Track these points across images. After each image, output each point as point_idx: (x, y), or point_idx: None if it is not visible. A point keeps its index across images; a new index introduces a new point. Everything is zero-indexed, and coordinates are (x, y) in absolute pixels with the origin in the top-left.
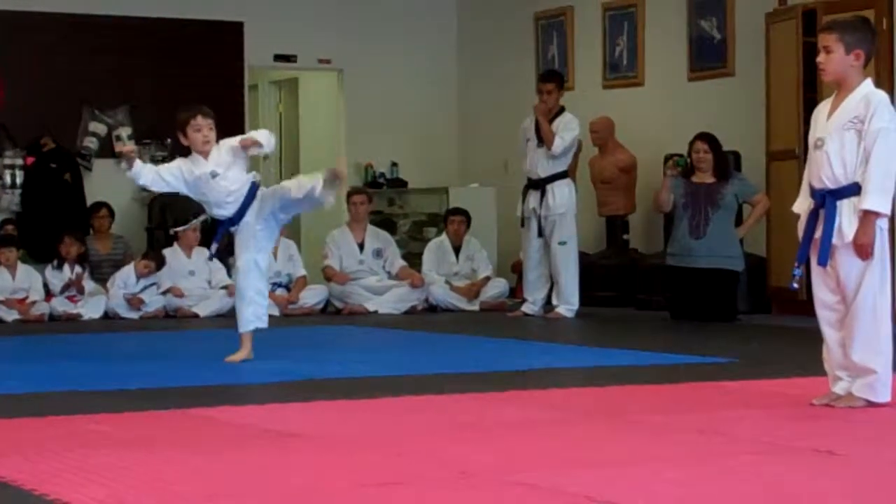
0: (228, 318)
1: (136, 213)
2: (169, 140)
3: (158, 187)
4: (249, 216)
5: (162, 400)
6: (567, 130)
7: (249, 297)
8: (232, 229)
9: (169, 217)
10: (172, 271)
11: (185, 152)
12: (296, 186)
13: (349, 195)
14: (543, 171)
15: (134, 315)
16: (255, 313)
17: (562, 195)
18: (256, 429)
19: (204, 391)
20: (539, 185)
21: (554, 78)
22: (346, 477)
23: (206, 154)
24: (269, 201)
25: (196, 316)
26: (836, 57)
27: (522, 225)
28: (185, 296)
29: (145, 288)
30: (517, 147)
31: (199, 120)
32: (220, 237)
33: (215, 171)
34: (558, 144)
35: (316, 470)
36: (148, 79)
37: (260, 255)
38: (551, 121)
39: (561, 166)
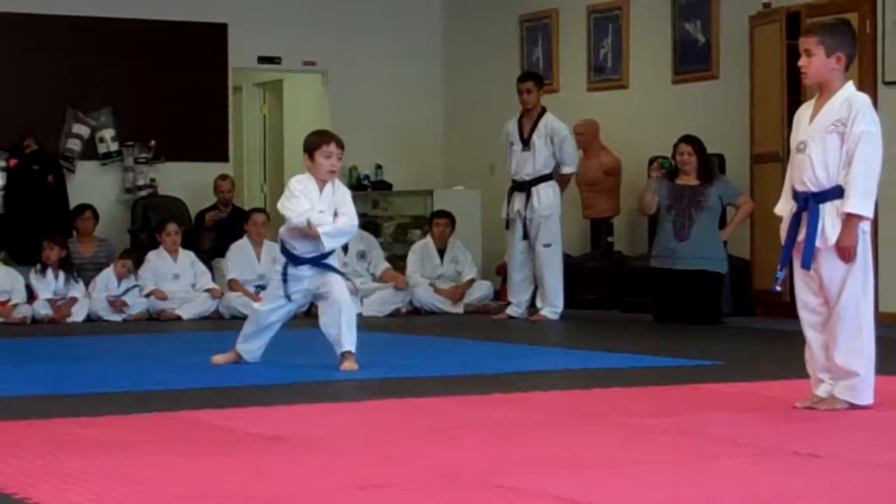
0: (212, 320)
1: (119, 215)
2: (153, 142)
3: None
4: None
5: (145, 403)
6: (567, 147)
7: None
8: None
9: (152, 219)
10: (157, 274)
11: (169, 154)
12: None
13: None
14: (528, 173)
15: (117, 318)
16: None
17: (547, 197)
18: (240, 432)
19: (187, 394)
20: (524, 187)
21: (531, 77)
22: (330, 480)
23: (323, 183)
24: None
25: (179, 318)
26: (816, 60)
27: (507, 227)
28: (168, 298)
29: (128, 290)
30: (501, 149)
31: (333, 147)
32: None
33: (322, 209)
34: (575, 164)
35: (299, 473)
36: (131, 80)
37: None
38: (534, 122)
39: (546, 169)
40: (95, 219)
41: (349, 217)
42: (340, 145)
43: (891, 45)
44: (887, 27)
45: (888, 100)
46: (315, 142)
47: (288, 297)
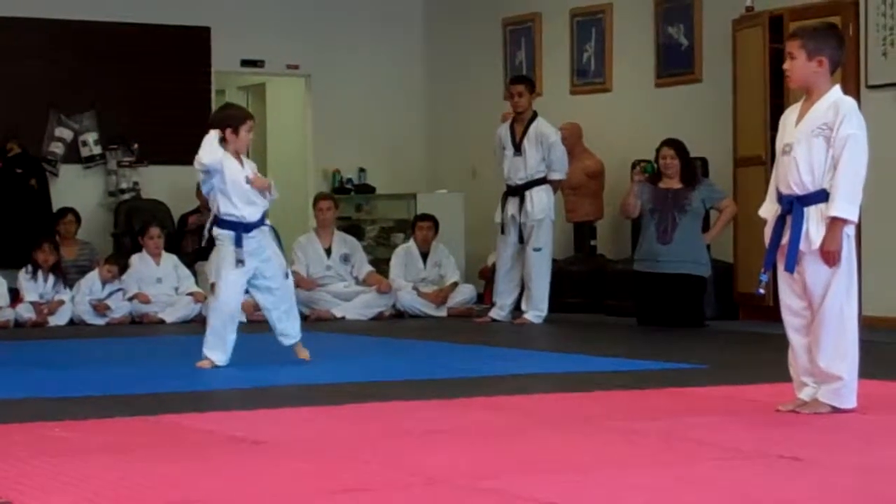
0: (195, 324)
1: (102, 219)
2: (136, 145)
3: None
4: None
5: (128, 406)
6: (556, 152)
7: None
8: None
9: (135, 222)
10: (140, 278)
11: (152, 157)
12: None
13: (315, 201)
14: (521, 178)
15: (100, 321)
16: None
17: (540, 201)
18: (222, 435)
19: (170, 398)
20: (517, 191)
21: (524, 80)
22: (313, 483)
23: (240, 160)
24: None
25: (162, 322)
26: (798, 63)
27: (503, 232)
28: (151, 302)
29: (111, 294)
30: (486, 153)
31: (251, 124)
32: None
33: (249, 178)
34: (564, 170)
35: (282, 477)
36: (115, 84)
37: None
38: (526, 127)
39: (538, 173)
40: (77, 222)
41: None
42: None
43: (874, 49)
44: (870, 31)
45: (871, 103)
46: (238, 115)
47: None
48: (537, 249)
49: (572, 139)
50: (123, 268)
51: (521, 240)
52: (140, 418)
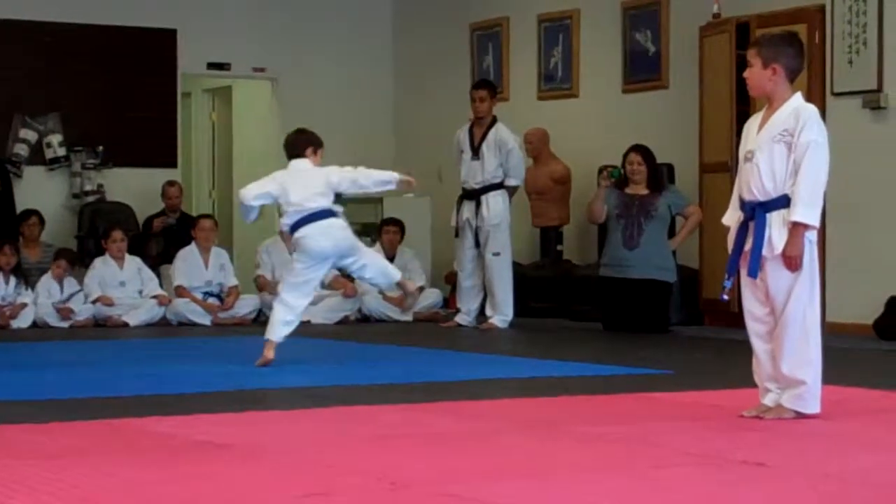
0: (159, 327)
1: (66, 221)
2: (101, 147)
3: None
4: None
5: (91, 410)
6: (513, 159)
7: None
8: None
9: (100, 225)
10: (102, 281)
11: (117, 160)
12: None
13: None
14: (477, 182)
15: (63, 324)
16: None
17: (496, 206)
18: (186, 439)
19: (133, 401)
20: (474, 195)
21: (486, 85)
22: (276, 488)
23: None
24: None
25: (126, 325)
26: (755, 71)
27: (457, 235)
28: (115, 304)
29: (72, 296)
30: (453, 157)
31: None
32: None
33: None
34: (521, 177)
35: (246, 481)
36: (80, 86)
37: None
38: (485, 131)
39: (495, 178)
40: (41, 224)
41: None
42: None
43: (840, 57)
44: (836, 39)
45: (837, 110)
46: (320, 140)
47: None
48: (496, 254)
49: (539, 144)
50: (72, 261)
51: (477, 244)
52: (104, 422)
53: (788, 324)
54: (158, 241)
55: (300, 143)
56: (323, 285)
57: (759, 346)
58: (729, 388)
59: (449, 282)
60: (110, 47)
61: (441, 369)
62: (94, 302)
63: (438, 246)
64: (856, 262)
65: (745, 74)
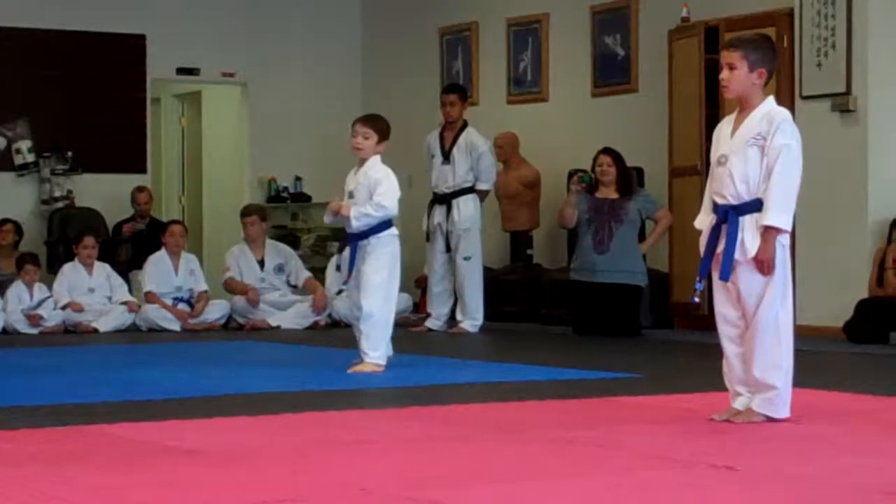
0: (129, 333)
1: (36, 227)
2: (70, 153)
3: None
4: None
5: (60, 416)
6: (484, 163)
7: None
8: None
9: (69, 231)
10: (71, 287)
11: (87, 165)
12: None
13: (241, 215)
14: (448, 186)
15: (33, 331)
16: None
17: (467, 210)
18: (156, 445)
19: (103, 407)
20: (444, 199)
21: (457, 90)
22: (246, 494)
23: (360, 162)
24: None
25: (96, 331)
26: (739, 75)
27: (428, 239)
28: (84, 310)
29: (41, 302)
30: (422, 162)
31: (357, 127)
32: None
33: (352, 192)
34: (492, 181)
35: (215, 487)
36: (49, 91)
37: None
38: (456, 135)
39: (466, 182)
40: (17, 233)
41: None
42: (366, 122)
43: (808, 60)
44: (805, 42)
45: (805, 114)
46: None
47: None
48: (467, 258)
49: (509, 148)
50: (35, 260)
51: (448, 248)
52: (73, 428)
53: (760, 328)
54: (128, 247)
55: None
56: (297, 289)
57: (730, 349)
58: (699, 391)
59: (419, 286)
60: (79, 53)
61: (410, 374)
62: (63, 308)
63: (408, 251)
64: (827, 266)
65: (724, 76)
